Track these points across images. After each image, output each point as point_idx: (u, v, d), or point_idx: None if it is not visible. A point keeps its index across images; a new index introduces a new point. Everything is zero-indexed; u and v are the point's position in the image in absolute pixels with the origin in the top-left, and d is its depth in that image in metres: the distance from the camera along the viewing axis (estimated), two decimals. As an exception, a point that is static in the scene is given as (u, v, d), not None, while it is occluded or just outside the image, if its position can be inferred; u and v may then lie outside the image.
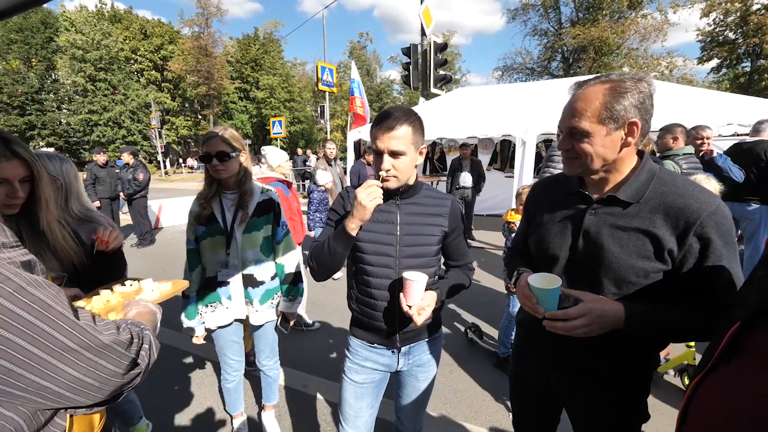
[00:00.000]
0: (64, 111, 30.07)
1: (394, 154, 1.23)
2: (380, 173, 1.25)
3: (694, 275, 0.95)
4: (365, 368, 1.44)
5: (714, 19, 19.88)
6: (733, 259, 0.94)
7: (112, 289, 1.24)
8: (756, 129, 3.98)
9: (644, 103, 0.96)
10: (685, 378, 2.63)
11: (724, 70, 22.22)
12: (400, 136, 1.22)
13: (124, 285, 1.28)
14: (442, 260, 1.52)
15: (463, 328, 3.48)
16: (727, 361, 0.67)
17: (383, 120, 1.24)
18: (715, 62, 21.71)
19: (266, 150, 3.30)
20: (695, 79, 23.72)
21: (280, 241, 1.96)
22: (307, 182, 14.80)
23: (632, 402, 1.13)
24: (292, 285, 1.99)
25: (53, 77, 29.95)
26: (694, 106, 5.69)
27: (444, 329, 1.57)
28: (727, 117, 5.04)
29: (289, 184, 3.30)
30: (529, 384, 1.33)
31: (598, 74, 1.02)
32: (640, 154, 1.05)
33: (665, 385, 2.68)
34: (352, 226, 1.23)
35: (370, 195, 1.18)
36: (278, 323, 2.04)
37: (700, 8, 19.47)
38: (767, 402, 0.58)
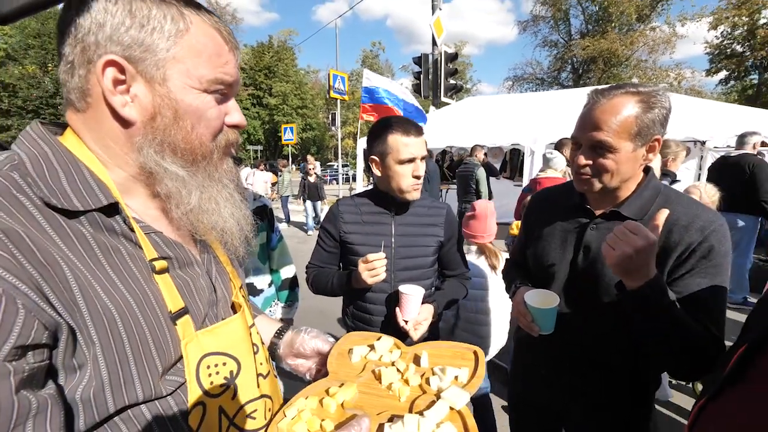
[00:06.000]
0: (80, 114, 30.75)
1: (423, 159, 1.26)
2: (406, 192, 1.27)
3: (688, 294, 0.92)
4: None
5: (722, 32, 19.94)
6: (724, 280, 0.92)
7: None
8: (741, 142, 3.95)
9: (666, 119, 0.92)
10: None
11: (732, 82, 22.18)
12: (424, 141, 1.28)
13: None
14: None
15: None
16: (733, 384, 0.63)
17: (411, 127, 1.25)
18: (723, 74, 21.74)
19: (554, 153, 3.34)
20: (704, 90, 23.72)
21: (275, 247, 1.90)
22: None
23: (635, 425, 1.09)
24: (289, 290, 1.96)
25: (70, 82, 30.70)
26: (702, 117, 5.78)
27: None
28: (736, 128, 5.12)
29: None
30: (527, 403, 1.29)
31: (622, 83, 0.96)
32: (645, 170, 1.03)
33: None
34: (355, 286, 1.27)
35: (372, 274, 1.18)
36: None
37: (708, 21, 19.55)
38: None
